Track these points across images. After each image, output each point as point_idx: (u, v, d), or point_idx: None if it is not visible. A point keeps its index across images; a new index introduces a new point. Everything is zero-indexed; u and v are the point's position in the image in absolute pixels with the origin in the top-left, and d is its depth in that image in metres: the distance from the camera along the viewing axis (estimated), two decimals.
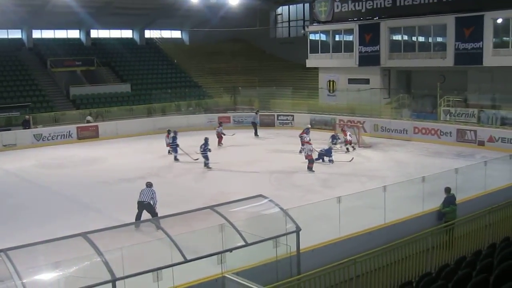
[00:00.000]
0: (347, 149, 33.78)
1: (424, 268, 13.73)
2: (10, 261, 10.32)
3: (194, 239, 13.13)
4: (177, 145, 32.52)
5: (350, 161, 30.89)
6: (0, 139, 37.87)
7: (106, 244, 11.33)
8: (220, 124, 38.74)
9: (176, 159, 32.18)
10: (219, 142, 36.84)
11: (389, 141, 37.04)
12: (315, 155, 29.49)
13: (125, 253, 11.65)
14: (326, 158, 30.41)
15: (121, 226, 13.08)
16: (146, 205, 19.87)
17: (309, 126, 37.59)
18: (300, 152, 31.79)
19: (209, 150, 30.26)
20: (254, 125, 41.39)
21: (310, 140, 32.39)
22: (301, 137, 33.10)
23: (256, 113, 42.51)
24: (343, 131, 34.77)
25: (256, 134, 40.85)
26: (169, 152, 33.27)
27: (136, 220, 19.52)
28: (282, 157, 32.63)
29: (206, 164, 29.93)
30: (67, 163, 32.96)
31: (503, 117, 35.23)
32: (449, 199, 18.27)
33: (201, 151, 30.28)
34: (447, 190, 18.53)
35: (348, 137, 34.17)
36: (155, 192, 20.28)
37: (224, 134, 37.16)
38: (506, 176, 22.95)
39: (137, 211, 19.77)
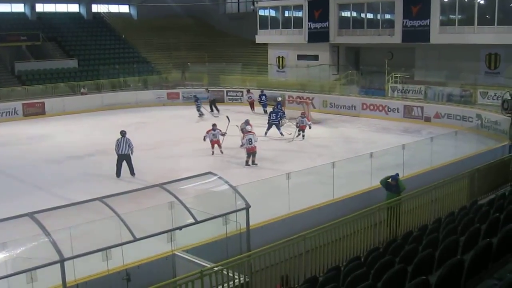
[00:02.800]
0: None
1: (372, 243, 13.96)
2: None
3: (143, 217, 13.04)
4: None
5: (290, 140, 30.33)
6: None
7: (53, 224, 11.15)
8: (248, 91, 42.49)
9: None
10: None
11: (337, 117, 37.39)
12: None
13: (73, 233, 11.49)
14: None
15: (69, 205, 12.86)
16: (126, 156, 23.32)
17: (280, 98, 36.40)
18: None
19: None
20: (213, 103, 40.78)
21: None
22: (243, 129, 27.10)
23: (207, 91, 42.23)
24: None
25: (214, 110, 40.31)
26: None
27: (117, 170, 23.39)
28: (231, 133, 32.51)
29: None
30: (13, 140, 32.29)
31: (449, 94, 35.83)
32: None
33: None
34: (395, 178, 17.07)
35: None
36: (130, 140, 23.62)
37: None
38: (451, 152, 23.47)
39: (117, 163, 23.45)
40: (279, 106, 34.25)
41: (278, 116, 31.80)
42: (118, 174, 23.43)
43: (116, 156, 23.63)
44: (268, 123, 31.33)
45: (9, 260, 10.76)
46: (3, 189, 22.45)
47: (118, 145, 23.53)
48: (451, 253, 8.83)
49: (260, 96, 40.43)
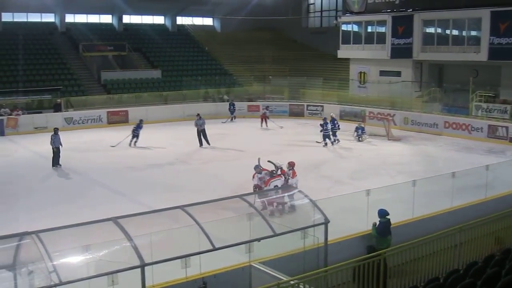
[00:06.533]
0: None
1: (452, 264, 13.64)
2: (41, 243, 10.46)
3: (222, 227, 13.18)
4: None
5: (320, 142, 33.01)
6: (32, 122, 38.42)
7: (135, 229, 11.41)
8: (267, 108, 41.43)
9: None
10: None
11: (419, 135, 36.79)
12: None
13: (154, 239, 11.73)
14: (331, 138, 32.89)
15: (150, 212, 13.18)
16: (58, 150, 27.67)
17: (333, 115, 36.28)
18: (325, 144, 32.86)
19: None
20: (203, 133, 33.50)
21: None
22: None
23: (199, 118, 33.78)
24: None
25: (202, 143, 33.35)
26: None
27: (54, 162, 27.64)
28: (310, 148, 32.55)
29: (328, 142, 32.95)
30: (96, 147, 33.26)
31: None
32: (387, 225, 15.22)
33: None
34: (382, 213, 15.28)
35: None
36: (60, 136, 27.89)
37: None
38: None
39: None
40: (334, 122, 34.26)
41: (328, 128, 32.84)
42: (53, 164, 27.71)
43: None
44: (324, 135, 32.83)
45: (92, 262, 11.08)
46: (86, 193, 23.19)
47: (53, 140, 27.66)
48: None
49: (229, 105, 43.53)
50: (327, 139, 32.85)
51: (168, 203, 15.13)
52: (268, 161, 21.37)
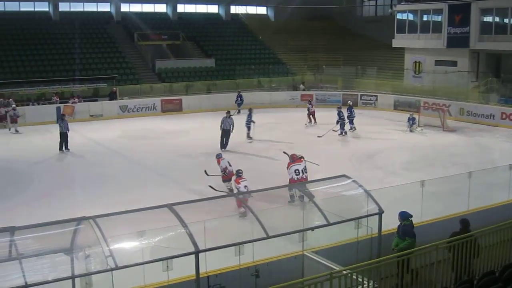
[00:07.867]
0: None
1: (508, 258, 13.40)
2: (98, 228, 10.67)
3: (275, 216, 13.21)
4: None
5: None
6: (88, 110, 39.17)
7: (189, 217, 11.52)
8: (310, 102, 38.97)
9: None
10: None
11: (474, 126, 36.11)
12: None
13: (208, 226, 11.85)
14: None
15: (205, 200, 13.29)
16: (66, 134, 28.91)
17: (350, 102, 36.32)
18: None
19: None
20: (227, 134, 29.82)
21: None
22: None
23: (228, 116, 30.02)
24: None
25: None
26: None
27: (60, 145, 28.87)
28: (363, 138, 32.32)
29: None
30: (150, 135, 33.71)
31: None
32: (406, 229, 13.82)
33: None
34: (404, 216, 13.93)
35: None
36: (67, 122, 29.45)
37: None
38: None
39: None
40: (351, 109, 34.34)
41: (342, 116, 32.88)
42: (60, 148, 28.97)
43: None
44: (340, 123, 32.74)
45: (147, 247, 11.26)
46: (139, 179, 23.66)
47: (60, 125, 29.02)
48: None
49: (237, 97, 42.26)
50: (344, 128, 32.88)
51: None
52: (284, 152, 22.40)
